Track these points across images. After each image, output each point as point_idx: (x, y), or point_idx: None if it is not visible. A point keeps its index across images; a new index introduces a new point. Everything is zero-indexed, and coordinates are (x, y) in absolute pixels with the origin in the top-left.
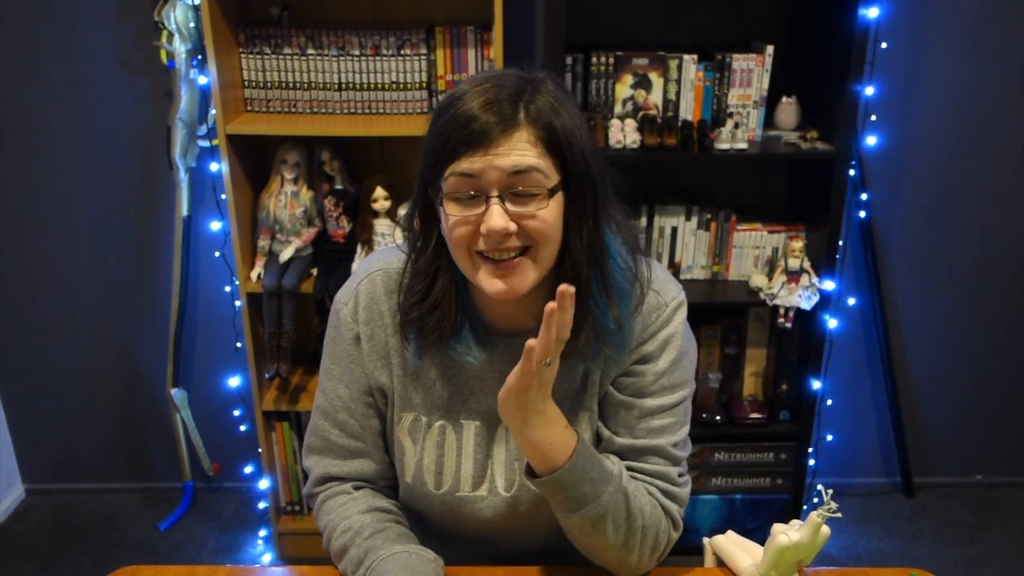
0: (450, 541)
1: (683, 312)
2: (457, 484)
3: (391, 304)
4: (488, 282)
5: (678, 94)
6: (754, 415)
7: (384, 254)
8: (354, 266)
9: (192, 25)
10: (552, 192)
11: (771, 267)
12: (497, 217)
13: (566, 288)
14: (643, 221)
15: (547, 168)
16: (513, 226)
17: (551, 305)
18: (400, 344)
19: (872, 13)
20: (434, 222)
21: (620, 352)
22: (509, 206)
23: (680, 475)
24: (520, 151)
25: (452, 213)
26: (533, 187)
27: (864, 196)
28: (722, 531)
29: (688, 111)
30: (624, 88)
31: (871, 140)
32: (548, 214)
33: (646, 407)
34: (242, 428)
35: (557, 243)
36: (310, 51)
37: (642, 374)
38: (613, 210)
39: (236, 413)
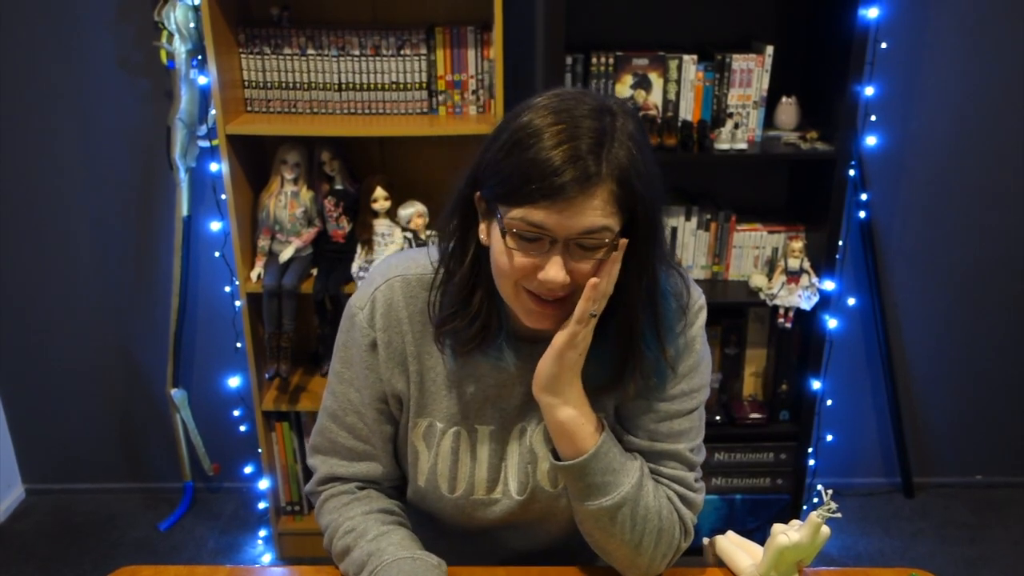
0: (458, 539)
1: (703, 316)
2: (471, 488)
3: (410, 311)
4: (526, 314)
5: (678, 94)
6: (754, 415)
7: (402, 259)
8: (354, 267)
9: (192, 25)
10: (613, 247)
11: (771, 267)
12: (557, 270)
13: (623, 241)
14: None
15: (615, 224)
16: (569, 279)
17: (615, 255)
18: (417, 351)
19: (872, 13)
20: (473, 229)
21: (664, 383)
22: (569, 258)
23: (696, 480)
24: (595, 211)
25: (513, 248)
26: (598, 243)
27: (864, 196)
28: (722, 531)
29: (688, 111)
30: (624, 88)
31: (871, 140)
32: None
33: (665, 411)
34: (242, 428)
35: None
36: (310, 51)
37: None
38: (666, 244)
39: (236, 413)
